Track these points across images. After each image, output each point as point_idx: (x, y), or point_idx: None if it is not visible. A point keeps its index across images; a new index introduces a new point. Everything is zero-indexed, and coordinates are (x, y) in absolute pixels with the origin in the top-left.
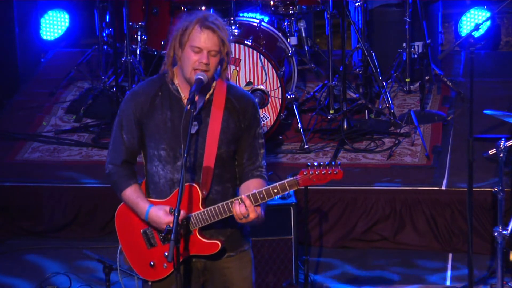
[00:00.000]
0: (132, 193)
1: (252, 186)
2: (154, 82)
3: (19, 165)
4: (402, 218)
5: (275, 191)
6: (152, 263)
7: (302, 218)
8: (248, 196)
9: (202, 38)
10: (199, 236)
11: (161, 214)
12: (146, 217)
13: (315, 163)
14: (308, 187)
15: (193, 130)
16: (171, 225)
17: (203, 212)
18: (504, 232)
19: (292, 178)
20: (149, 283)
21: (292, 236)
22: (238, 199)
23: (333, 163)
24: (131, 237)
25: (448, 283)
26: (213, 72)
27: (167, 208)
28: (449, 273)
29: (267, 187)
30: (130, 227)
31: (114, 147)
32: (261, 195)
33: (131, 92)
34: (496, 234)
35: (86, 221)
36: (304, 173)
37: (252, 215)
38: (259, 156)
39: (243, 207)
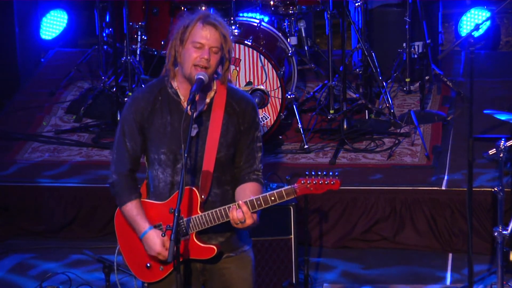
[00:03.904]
0: (132, 209)
1: (248, 190)
2: (153, 87)
3: (19, 165)
4: (402, 218)
5: (272, 198)
6: (148, 265)
7: (302, 218)
8: (246, 202)
9: (204, 34)
10: (195, 240)
11: (157, 242)
12: (141, 237)
13: (313, 172)
14: None
15: (193, 133)
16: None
17: (201, 216)
18: (504, 232)
19: (290, 186)
20: (145, 284)
21: (292, 236)
22: (235, 205)
23: (330, 173)
24: (129, 238)
25: (448, 283)
26: (214, 71)
27: (164, 239)
28: (449, 273)
29: (265, 194)
30: (128, 228)
31: (118, 155)
32: (258, 202)
33: (132, 98)
34: (496, 234)
35: (86, 221)
36: (302, 182)
37: (249, 221)
38: (256, 159)
39: (240, 213)
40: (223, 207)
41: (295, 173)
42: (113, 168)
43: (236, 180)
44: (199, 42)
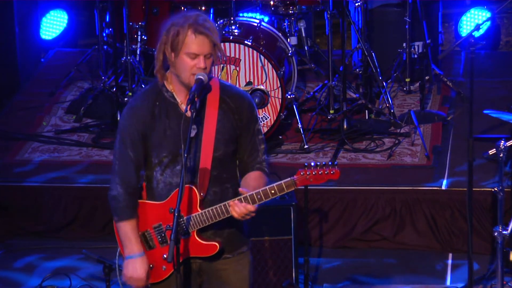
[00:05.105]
0: (132, 228)
1: (249, 178)
2: (149, 93)
3: (19, 165)
4: (402, 218)
5: (273, 191)
6: (151, 266)
7: (302, 218)
8: (240, 200)
9: (197, 44)
10: (197, 238)
11: (146, 268)
12: (132, 257)
13: (312, 163)
14: (308, 187)
15: (192, 134)
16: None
17: (201, 213)
18: (504, 232)
19: (289, 178)
20: (149, 285)
21: (292, 236)
22: (234, 201)
23: (330, 163)
24: None
25: (448, 283)
26: (208, 72)
27: (148, 267)
28: (449, 273)
29: (264, 188)
30: None
31: (122, 166)
32: (259, 196)
33: (130, 107)
34: (496, 234)
35: (86, 221)
36: (301, 173)
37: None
38: (260, 152)
39: (242, 208)
40: (223, 203)
41: (293, 173)
42: (118, 179)
43: (240, 174)
44: (193, 53)
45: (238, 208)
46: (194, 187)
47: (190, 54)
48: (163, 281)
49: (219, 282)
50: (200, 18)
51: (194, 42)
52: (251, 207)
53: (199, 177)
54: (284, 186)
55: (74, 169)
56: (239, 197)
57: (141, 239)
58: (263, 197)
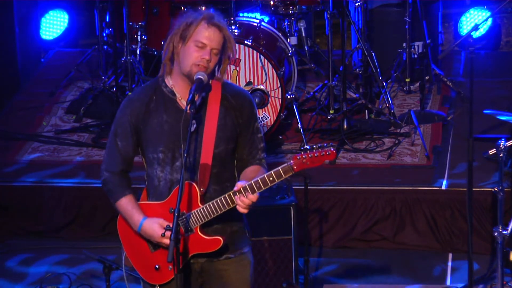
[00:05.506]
0: (126, 204)
1: (248, 171)
2: (148, 88)
3: (19, 165)
4: (402, 218)
5: (271, 179)
6: (157, 267)
7: (302, 218)
8: (240, 191)
9: (208, 34)
10: (200, 234)
11: (155, 228)
12: (139, 229)
13: (308, 147)
14: (308, 187)
15: (192, 129)
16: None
17: (203, 208)
18: (504, 232)
19: (286, 164)
20: (157, 287)
21: (292, 236)
22: (236, 193)
23: (325, 145)
24: (135, 242)
25: (448, 283)
26: (211, 71)
27: (161, 221)
28: (449, 273)
29: (262, 175)
30: (133, 232)
31: (109, 154)
32: (258, 185)
33: (127, 99)
34: (496, 234)
35: (86, 221)
36: (298, 157)
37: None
38: (259, 150)
39: (243, 197)
40: (223, 195)
41: (289, 159)
42: (104, 166)
43: (238, 171)
44: (202, 42)
45: (240, 199)
46: (194, 183)
47: (199, 43)
48: (170, 281)
49: (220, 282)
50: (216, 15)
51: (204, 31)
52: (252, 197)
53: (200, 173)
54: (281, 172)
55: (74, 169)
56: (238, 188)
57: (146, 241)
58: (262, 186)
